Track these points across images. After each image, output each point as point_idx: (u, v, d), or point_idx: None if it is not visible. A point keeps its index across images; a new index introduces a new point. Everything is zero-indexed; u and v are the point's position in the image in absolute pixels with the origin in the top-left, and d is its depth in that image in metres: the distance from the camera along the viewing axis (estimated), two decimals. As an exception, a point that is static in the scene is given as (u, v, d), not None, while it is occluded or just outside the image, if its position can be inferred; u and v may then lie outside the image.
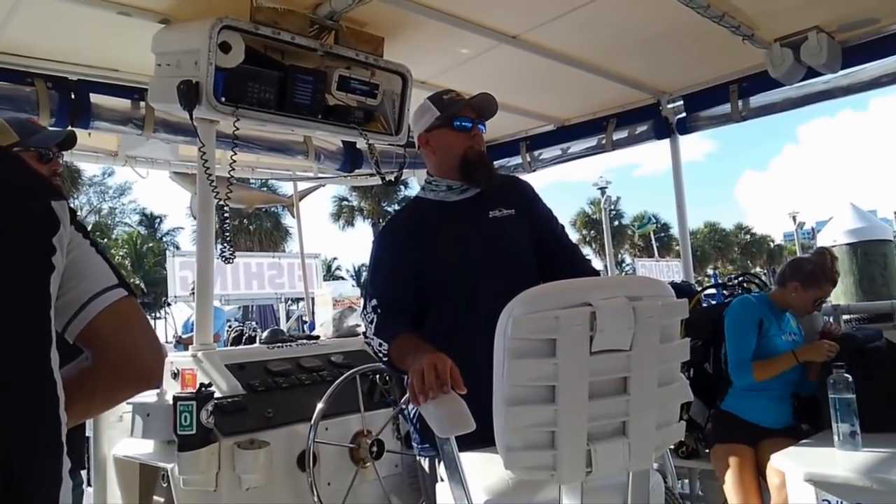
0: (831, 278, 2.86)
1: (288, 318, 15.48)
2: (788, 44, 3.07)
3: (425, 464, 2.00)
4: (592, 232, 40.07)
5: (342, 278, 36.34)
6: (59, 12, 2.54)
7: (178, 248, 34.66)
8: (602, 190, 21.03)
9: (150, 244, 38.48)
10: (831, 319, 3.27)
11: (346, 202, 39.07)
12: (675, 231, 43.07)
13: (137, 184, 44.72)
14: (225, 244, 2.67)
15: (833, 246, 6.45)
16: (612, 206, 23.01)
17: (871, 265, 6.55)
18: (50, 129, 2.20)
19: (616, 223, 39.93)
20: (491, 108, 2.08)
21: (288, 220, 33.91)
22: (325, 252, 44.81)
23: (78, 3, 2.49)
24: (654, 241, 29.32)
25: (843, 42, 3.11)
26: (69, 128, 2.91)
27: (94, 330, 1.01)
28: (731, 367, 2.76)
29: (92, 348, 1.03)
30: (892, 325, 3.08)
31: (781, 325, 2.86)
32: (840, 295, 6.18)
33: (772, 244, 52.48)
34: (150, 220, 40.83)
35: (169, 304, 14.92)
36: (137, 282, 35.03)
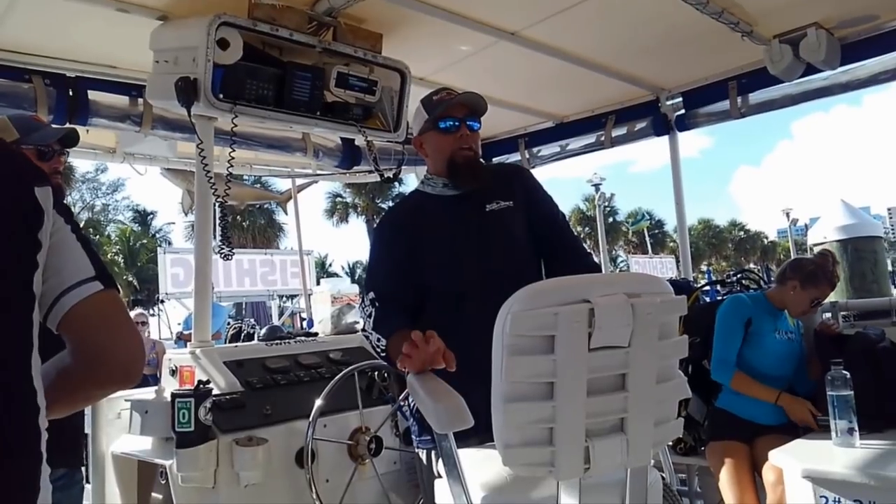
0: (831, 280, 2.87)
1: (280, 315, 15.47)
2: (787, 40, 3.08)
3: (423, 455, 2.00)
4: (587, 228, 40.07)
5: (336, 275, 36.28)
6: (56, 9, 2.53)
7: (170, 244, 34.55)
8: (596, 187, 21.05)
9: (144, 241, 38.32)
10: (829, 316, 3.28)
11: (340, 198, 38.98)
12: (668, 228, 43.26)
13: (130, 180, 44.42)
14: (223, 241, 2.67)
15: (823, 243, 6.48)
16: (607, 203, 22.98)
17: (861, 262, 6.54)
18: (52, 126, 2.18)
19: (611, 220, 39.94)
20: (478, 104, 2.04)
21: (281, 217, 33.74)
22: (319, 249, 44.72)
23: (76, 0, 2.47)
24: (647, 238, 29.36)
25: (843, 38, 3.12)
26: (71, 126, 2.90)
27: (68, 324, 0.98)
28: (713, 364, 2.79)
29: (69, 343, 1.00)
30: (891, 321, 3.09)
31: (777, 324, 2.86)
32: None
33: (765, 241, 52.64)
34: (142, 217, 40.67)
35: (162, 301, 14.86)
36: (131, 279, 34.92)
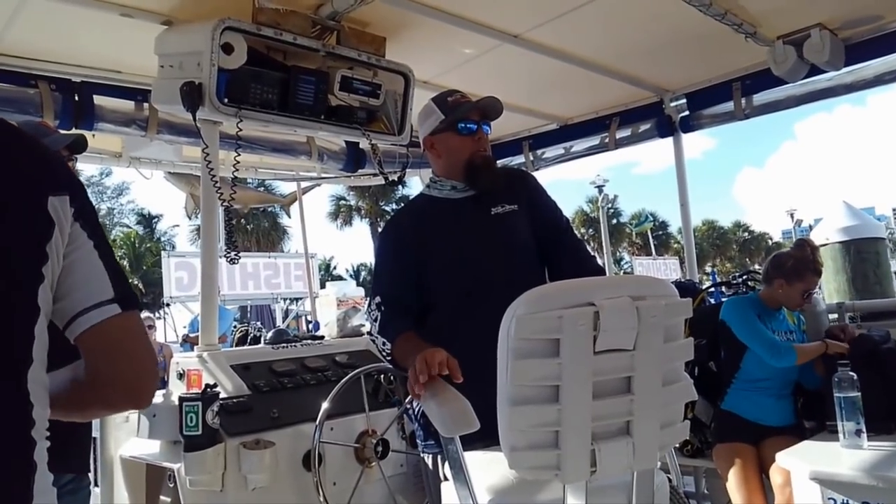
0: (815, 269, 2.84)
1: (285, 318, 15.49)
2: (791, 41, 3.07)
3: (429, 460, 2.01)
4: (591, 230, 39.99)
5: (341, 278, 36.31)
6: (61, 14, 2.54)
7: (174, 247, 34.68)
8: (599, 188, 21.04)
9: (149, 244, 38.39)
10: (836, 317, 3.27)
11: (343, 201, 39.02)
12: (672, 229, 43.12)
13: (135, 184, 44.41)
14: (229, 245, 2.68)
15: (825, 244, 6.45)
16: (610, 205, 22.96)
17: (863, 263, 6.52)
18: (61, 133, 2.19)
19: (614, 221, 39.86)
20: (496, 110, 2.07)
21: (285, 220, 33.89)
22: (323, 251, 44.82)
23: (80, 5, 2.49)
24: (651, 240, 29.29)
25: (846, 39, 3.11)
26: (78, 131, 2.92)
27: (82, 344, 0.96)
28: (770, 353, 2.71)
29: (83, 359, 0.98)
30: None
31: (773, 325, 2.85)
32: (833, 293, 6.17)
33: (770, 242, 52.42)
34: (147, 221, 40.76)
35: (167, 305, 14.89)
36: (136, 282, 34.99)
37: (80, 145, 2.08)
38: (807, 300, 2.86)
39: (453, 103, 2.06)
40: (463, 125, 2.04)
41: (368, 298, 2.09)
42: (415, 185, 5.20)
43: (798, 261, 2.83)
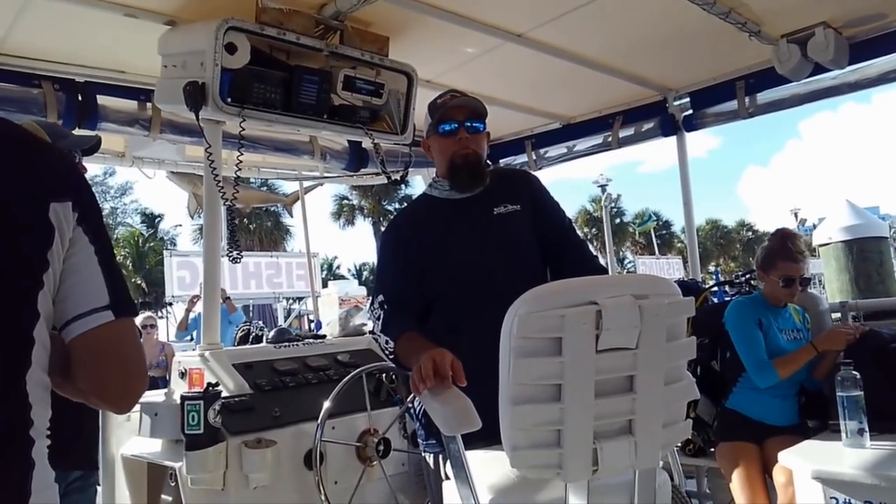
0: (789, 255, 2.75)
1: (287, 317, 15.51)
2: (795, 40, 3.06)
3: (430, 459, 2.01)
4: (594, 229, 39.88)
5: (343, 277, 36.32)
6: (65, 14, 2.55)
7: (175, 245, 34.73)
8: (602, 188, 21.02)
9: (152, 243, 38.40)
10: (839, 316, 3.26)
11: (346, 201, 38.91)
12: (676, 228, 43.00)
13: (138, 183, 44.38)
14: (231, 244, 2.69)
15: (828, 243, 6.42)
16: (614, 204, 22.90)
17: (866, 262, 6.51)
18: (78, 135, 2.20)
19: (618, 221, 39.75)
20: (473, 108, 2.05)
21: (288, 220, 33.85)
22: (326, 251, 44.81)
23: (84, 6, 2.50)
24: (655, 239, 29.22)
25: (851, 37, 3.10)
26: (79, 130, 2.93)
27: (73, 348, 0.96)
28: (753, 371, 2.71)
29: (73, 362, 0.98)
30: None
31: (779, 324, 2.83)
32: (836, 293, 6.16)
33: (774, 241, 52.15)
34: (150, 220, 40.77)
35: (170, 304, 14.93)
36: (139, 282, 35.01)
37: (94, 148, 2.10)
38: (791, 289, 2.78)
39: (439, 105, 2.06)
40: (442, 127, 2.04)
41: (371, 297, 2.10)
42: (417, 184, 5.21)
43: (769, 249, 2.82)
